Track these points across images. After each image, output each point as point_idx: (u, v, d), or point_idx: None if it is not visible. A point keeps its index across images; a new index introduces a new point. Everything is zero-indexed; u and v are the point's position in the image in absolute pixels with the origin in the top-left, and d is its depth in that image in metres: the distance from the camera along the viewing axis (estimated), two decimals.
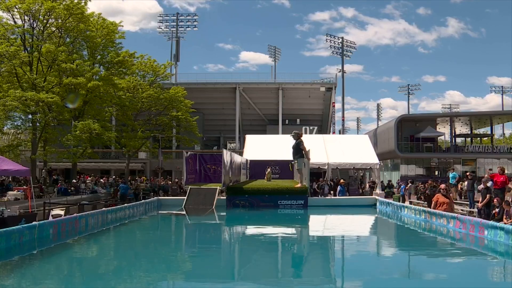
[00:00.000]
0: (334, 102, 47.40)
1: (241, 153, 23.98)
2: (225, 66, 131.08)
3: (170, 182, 26.97)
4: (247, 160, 21.12)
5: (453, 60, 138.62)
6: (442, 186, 11.80)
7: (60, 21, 24.19)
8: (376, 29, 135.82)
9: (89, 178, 28.20)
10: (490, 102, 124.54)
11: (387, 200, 15.92)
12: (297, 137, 14.98)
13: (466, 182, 16.98)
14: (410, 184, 21.39)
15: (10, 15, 23.67)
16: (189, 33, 56.40)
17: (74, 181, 25.34)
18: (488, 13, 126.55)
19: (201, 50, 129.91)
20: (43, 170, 28.46)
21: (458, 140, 51.47)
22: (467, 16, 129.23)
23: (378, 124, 76.38)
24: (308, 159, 15.16)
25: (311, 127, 45.44)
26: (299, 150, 14.78)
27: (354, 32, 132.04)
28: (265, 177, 17.38)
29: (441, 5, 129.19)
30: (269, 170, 17.87)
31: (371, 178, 22.43)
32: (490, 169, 14.55)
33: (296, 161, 15.04)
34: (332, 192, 19.17)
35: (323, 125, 49.18)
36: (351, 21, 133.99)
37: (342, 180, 20.36)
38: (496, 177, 12.74)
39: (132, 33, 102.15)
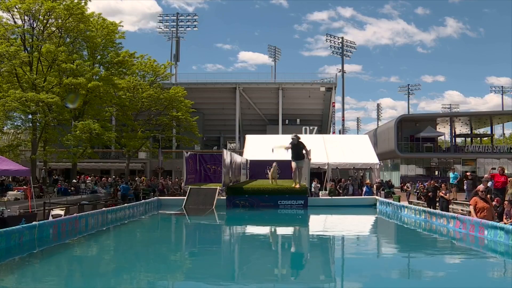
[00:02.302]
0: (334, 102, 47.45)
1: (241, 153, 23.98)
2: (224, 66, 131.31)
3: (171, 182, 26.99)
4: (247, 160, 21.11)
5: (452, 60, 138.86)
6: (481, 187, 9.77)
7: (60, 21, 24.20)
8: (374, 29, 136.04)
9: (89, 178, 28.21)
10: (490, 102, 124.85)
11: (387, 200, 15.90)
12: (297, 140, 14.71)
13: (466, 182, 16.99)
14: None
15: (10, 15, 23.69)
16: (188, 33, 56.52)
17: (74, 181, 25.35)
18: (486, 13, 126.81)
19: (200, 50, 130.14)
20: (43, 170, 28.47)
21: (458, 140, 51.51)
22: (466, 16, 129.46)
23: (378, 124, 76.45)
24: (309, 159, 15.11)
25: (311, 127, 45.44)
26: (302, 154, 14.66)
27: (352, 32, 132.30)
28: (270, 175, 16.24)
29: (439, 5, 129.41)
30: (274, 164, 16.13)
31: (378, 179, 22.43)
32: (493, 168, 14.38)
33: (296, 162, 14.88)
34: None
35: (323, 125, 49.19)
36: (349, 21, 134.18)
37: (368, 181, 20.24)
38: (497, 177, 12.72)
39: (131, 33, 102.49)
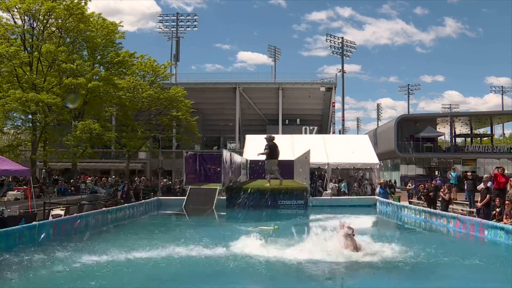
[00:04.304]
0: (334, 102, 47.40)
1: (241, 153, 23.99)
2: (223, 66, 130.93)
3: (170, 183, 27.01)
4: (247, 160, 21.12)
5: (451, 60, 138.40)
6: None
7: (60, 21, 24.19)
8: (373, 29, 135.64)
9: (89, 178, 28.21)
10: (490, 102, 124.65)
11: (387, 200, 15.91)
12: (270, 140, 14.94)
13: (466, 182, 16.95)
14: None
15: (10, 15, 23.68)
16: (188, 33, 56.30)
17: (72, 180, 25.35)
18: (485, 13, 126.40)
19: (199, 50, 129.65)
20: (43, 170, 28.46)
21: (458, 140, 51.46)
22: (464, 15, 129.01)
23: (378, 124, 76.41)
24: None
25: (311, 127, 45.42)
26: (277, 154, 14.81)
27: (351, 32, 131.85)
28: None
29: (438, 5, 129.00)
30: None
31: (383, 179, 22.35)
32: (498, 167, 14.23)
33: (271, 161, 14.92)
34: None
35: (323, 125, 49.16)
36: (348, 21, 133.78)
37: (382, 180, 20.03)
38: (499, 177, 12.68)
39: (130, 33, 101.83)
